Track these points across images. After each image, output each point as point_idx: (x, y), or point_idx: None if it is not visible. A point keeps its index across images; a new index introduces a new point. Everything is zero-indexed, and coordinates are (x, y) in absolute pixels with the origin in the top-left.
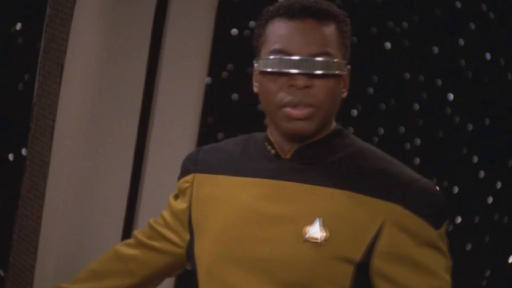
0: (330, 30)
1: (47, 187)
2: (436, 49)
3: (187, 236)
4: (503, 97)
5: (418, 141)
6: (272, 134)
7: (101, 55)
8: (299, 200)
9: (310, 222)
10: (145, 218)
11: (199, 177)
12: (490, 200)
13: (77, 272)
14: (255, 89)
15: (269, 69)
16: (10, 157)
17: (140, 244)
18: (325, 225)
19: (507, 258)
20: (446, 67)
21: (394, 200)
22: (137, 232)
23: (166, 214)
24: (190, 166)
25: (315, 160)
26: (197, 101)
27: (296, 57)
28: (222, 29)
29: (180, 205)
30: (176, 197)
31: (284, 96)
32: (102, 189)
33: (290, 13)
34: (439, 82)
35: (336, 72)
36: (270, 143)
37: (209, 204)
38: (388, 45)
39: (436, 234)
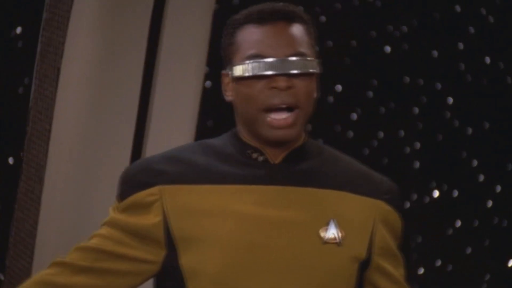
0: (300, 31)
1: (43, 190)
2: (435, 53)
3: (160, 251)
4: (503, 100)
5: (417, 145)
6: (251, 140)
7: (98, 59)
8: (305, 204)
9: (324, 224)
10: None
11: (169, 188)
12: (489, 203)
13: None
14: (228, 98)
15: (248, 74)
16: (10, 160)
17: (83, 270)
18: (339, 226)
19: (506, 262)
20: (445, 71)
21: (379, 197)
22: (63, 259)
23: (111, 232)
24: (149, 179)
25: (303, 164)
26: (194, 105)
27: (274, 59)
28: (222, 32)
29: (144, 220)
30: (125, 212)
31: (265, 99)
32: (99, 192)
33: (261, 18)
34: (439, 85)
35: (313, 70)
36: (256, 150)
37: (196, 215)
38: (387, 48)
39: (403, 228)
